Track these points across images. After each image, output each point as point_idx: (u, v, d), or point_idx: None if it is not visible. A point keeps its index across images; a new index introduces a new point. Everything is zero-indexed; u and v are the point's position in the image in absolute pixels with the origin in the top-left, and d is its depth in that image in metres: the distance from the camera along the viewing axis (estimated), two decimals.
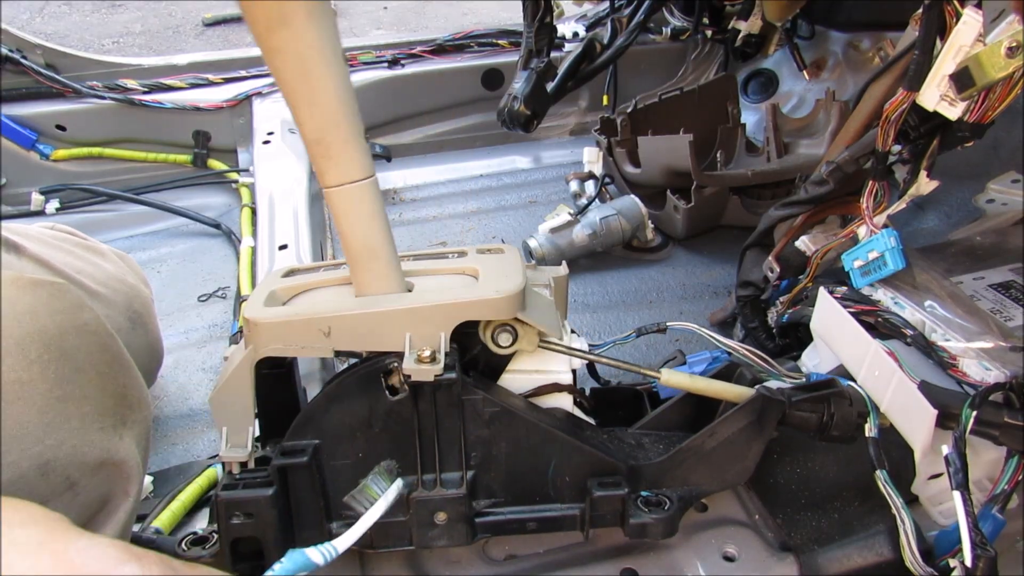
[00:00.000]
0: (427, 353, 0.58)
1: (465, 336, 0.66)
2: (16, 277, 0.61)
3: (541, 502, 0.67)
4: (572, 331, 0.72)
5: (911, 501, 0.70)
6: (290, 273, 0.70)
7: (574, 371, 0.70)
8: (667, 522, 0.65)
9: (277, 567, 0.48)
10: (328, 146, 0.54)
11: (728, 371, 0.76)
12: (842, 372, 0.77)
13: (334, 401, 0.63)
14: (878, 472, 0.64)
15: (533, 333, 0.65)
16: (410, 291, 0.63)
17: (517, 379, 0.69)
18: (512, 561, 0.69)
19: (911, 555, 0.62)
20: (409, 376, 0.58)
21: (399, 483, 0.62)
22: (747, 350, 0.74)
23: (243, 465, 0.64)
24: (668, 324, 0.79)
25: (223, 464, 0.65)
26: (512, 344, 0.65)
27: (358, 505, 0.61)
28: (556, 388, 0.69)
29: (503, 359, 0.68)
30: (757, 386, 0.69)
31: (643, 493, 0.67)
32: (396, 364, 0.61)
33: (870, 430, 0.67)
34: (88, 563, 0.29)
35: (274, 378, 0.69)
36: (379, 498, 0.59)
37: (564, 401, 0.70)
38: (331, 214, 0.58)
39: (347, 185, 0.57)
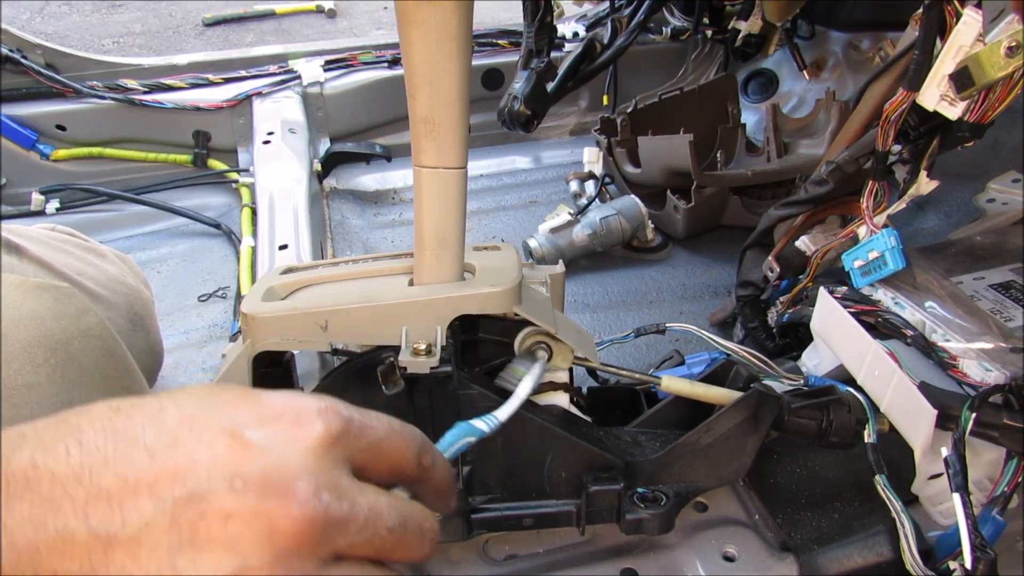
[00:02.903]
0: (423, 346, 0.59)
1: (485, 345, 0.66)
2: (21, 281, 0.61)
3: (537, 498, 0.67)
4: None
5: (911, 501, 0.70)
6: (288, 271, 0.71)
7: (571, 369, 0.70)
8: (663, 518, 0.65)
9: (448, 435, 0.50)
10: (436, 126, 0.55)
11: (724, 369, 0.76)
12: (842, 372, 0.77)
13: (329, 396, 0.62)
14: (878, 477, 0.64)
15: (568, 351, 0.66)
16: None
17: None
18: (512, 561, 0.69)
19: (911, 559, 0.62)
20: (405, 369, 0.59)
21: (542, 361, 0.63)
22: (745, 351, 0.74)
23: None
24: (667, 325, 0.79)
25: None
26: (547, 360, 0.66)
27: (507, 384, 0.63)
28: (553, 387, 0.69)
29: None
30: (753, 384, 0.69)
31: (639, 489, 0.67)
32: (392, 358, 0.61)
33: (869, 436, 0.67)
34: (280, 400, 0.36)
35: (272, 377, 0.69)
36: (526, 374, 0.61)
37: (561, 399, 0.70)
38: (414, 193, 0.60)
39: (442, 169, 0.57)
